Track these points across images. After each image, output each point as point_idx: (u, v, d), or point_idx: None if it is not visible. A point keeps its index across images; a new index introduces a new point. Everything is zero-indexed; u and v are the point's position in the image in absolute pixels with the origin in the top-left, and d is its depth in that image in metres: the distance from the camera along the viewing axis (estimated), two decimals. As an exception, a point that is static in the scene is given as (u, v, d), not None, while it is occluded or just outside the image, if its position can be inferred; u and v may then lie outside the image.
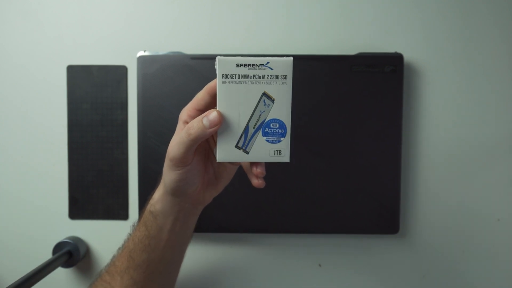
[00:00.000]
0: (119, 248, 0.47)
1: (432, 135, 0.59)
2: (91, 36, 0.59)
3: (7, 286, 0.43)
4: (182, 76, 0.56)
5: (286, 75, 0.39)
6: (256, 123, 0.39)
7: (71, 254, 0.56)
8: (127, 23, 0.59)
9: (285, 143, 0.40)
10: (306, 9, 0.59)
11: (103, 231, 0.59)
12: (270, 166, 0.56)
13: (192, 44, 0.59)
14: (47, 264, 0.50)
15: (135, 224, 0.46)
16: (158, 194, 0.44)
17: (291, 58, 0.39)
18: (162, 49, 0.58)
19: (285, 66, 0.39)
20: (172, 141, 0.41)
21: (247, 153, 0.39)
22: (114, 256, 0.47)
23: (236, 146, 0.39)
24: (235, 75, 0.38)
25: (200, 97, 0.41)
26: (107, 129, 0.59)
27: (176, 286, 0.59)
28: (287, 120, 0.40)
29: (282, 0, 0.59)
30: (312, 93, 0.56)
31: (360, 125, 0.56)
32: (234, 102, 0.38)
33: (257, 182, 0.43)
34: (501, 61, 0.59)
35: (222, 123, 0.38)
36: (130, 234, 0.46)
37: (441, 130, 0.59)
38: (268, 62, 0.38)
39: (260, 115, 0.39)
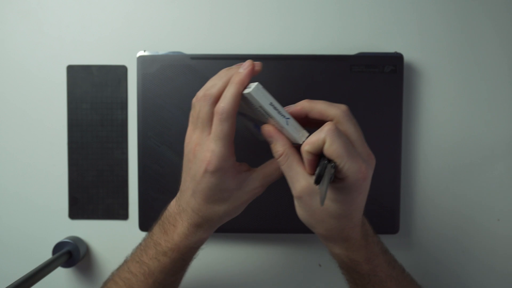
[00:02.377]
0: (130, 272, 0.45)
1: (432, 135, 0.59)
2: (91, 36, 0.59)
3: (7, 286, 0.43)
4: (182, 76, 0.56)
5: None
6: None
7: (71, 254, 0.56)
8: (127, 23, 0.59)
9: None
10: (306, 9, 0.59)
11: (103, 231, 0.60)
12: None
13: (192, 44, 0.59)
14: (47, 264, 0.51)
15: (158, 257, 0.43)
16: (200, 237, 0.43)
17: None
18: (162, 49, 0.58)
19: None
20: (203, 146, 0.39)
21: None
22: (124, 278, 0.45)
23: None
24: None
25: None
26: (107, 129, 0.59)
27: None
28: None
29: (282, 0, 0.59)
30: (312, 93, 0.56)
31: (360, 125, 0.56)
32: None
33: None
34: (501, 61, 0.59)
35: None
36: (144, 258, 0.44)
37: (441, 130, 0.59)
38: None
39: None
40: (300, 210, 0.41)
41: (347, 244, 0.41)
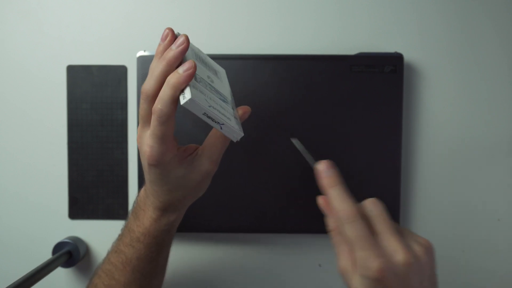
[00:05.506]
0: (110, 263, 0.45)
1: (432, 135, 0.59)
2: (91, 36, 0.59)
3: (7, 286, 0.43)
4: (182, 76, 0.56)
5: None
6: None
7: (71, 254, 0.56)
8: (127, 23, 0.59)
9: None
10: (306, 9, 0.59)
11: (103, 231, 0.59)
12: (270, 166, 0.56)
13: (192, 44, 0.59)
14: (47, 264, 0.51)
15: (133, 243, 0.44)
16: (168, 220, 0.44)
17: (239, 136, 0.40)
18: (162, 49, 0.58)
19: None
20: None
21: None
22: (106, 269, 0.45)
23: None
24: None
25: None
26: (107, 129, 0.59)
27: (175, 286, 0.59)
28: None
29: (282, 0, 0.59)
30: (312, 93, 0.56)
31: (360, 125, 0.56)
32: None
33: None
34: (501, 61, 0.59)
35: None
36: (121, 246, 0.45)
37: (441, 130, 0.59)
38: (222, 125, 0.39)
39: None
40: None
41: None
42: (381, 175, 0.56)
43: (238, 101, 0.56)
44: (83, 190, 0.59)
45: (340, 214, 0.34)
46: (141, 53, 0.56)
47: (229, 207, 0.57)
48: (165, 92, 0.36)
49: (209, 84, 0.41)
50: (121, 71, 0.59)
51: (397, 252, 0.33)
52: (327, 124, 0.56)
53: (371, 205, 0.36)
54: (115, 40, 0.59)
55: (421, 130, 0.59)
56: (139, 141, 0.41)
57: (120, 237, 0.46)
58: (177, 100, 0.37)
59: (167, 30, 0.39)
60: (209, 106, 0.37)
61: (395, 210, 0.57)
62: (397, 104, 0.56)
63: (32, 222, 0.60)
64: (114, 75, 0.59)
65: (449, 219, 0.60)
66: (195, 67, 0.36)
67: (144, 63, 0.56)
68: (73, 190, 0.59)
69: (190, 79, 0.36)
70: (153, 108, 0.37)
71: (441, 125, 0.59)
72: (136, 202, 0.46)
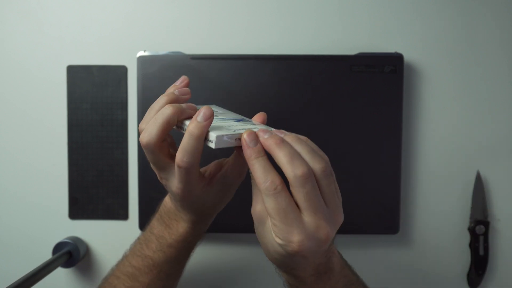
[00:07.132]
0: (133, 266, 0.45)
1: (432, 135, 0.59)
2: (91, 36, 0.59)
3: (7, 286, 0.43)
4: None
5: None
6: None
7: (71, 254, 0.56)
8: (127, 23, 0.59)
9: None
10: (306, 9, 0.59)
11: (103, 231, 0.59)
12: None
13: (192, 44, 0.59)
14: (47, 264, 0.51)
15: (163, 249, 0.45)
16: (205, 224, 0.46)
17: None
18: (162, 49, 0.58)
19: None
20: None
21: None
22: (127, 272, 0.46)
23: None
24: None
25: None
26: (107, 129, 0.59)
27: (177, 285, 0.59)
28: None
29: (282, 0, 0.59)
30: (312, 93, 0.56)
31: (360, 125, 0.56)
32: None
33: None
34: (501, 61, 0.59)
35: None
36: (146, 252, 0.45)
37: (441, 130, 0.59)
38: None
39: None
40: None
41: (294, 277, 0.38)
42: (381, 175, 0.56)
43: (238, 101, 0.56)
44: (83, 190, 0.59)
45: (262, 185, 0.33)
46: (141, 53, 0.56)
47: (230, 207, 0.57)
48: (191, 144, 0.35)
49: (217, 117, 0.42)
50: (121, 71, 0.59)
51: (318, 230, 0.33)
52: (327, 124, 0.56)
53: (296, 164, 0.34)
54: (115, 40, 0.59)
55: (421, 130, 0.59)
56: (163, 183, 0.41)
57: (144, 242, 0.46)
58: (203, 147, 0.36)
59: (183, 77, 0.42)
60: (235, 131, 0.37)
61: (395, 210, 0.57)
62: (397, 104, 0.56)
63: (32, 222, 0.60)
64: (114, 75, 0.59)
65: (449, 219, 0.60)
66: (213, 114, 0.35)
67: (144, 63, 0.56)
68: (73, 190, 0.59)
69: (211, 123, 0.36)
70: (177, 162, 0.36)
71: (441, 125, 0.59)
72: (161, 211, 0.46)
